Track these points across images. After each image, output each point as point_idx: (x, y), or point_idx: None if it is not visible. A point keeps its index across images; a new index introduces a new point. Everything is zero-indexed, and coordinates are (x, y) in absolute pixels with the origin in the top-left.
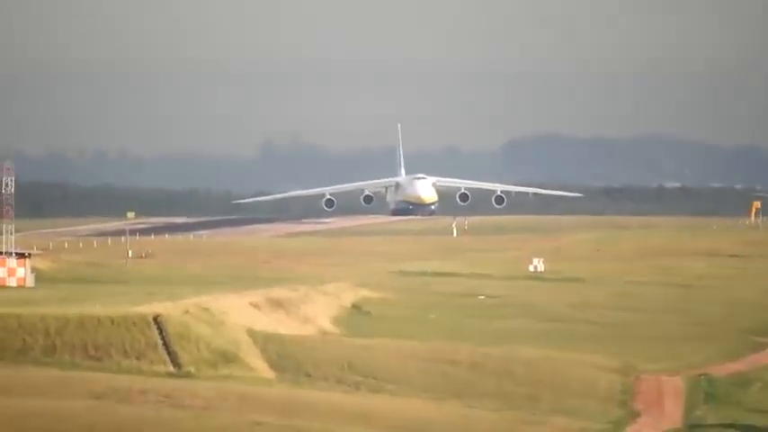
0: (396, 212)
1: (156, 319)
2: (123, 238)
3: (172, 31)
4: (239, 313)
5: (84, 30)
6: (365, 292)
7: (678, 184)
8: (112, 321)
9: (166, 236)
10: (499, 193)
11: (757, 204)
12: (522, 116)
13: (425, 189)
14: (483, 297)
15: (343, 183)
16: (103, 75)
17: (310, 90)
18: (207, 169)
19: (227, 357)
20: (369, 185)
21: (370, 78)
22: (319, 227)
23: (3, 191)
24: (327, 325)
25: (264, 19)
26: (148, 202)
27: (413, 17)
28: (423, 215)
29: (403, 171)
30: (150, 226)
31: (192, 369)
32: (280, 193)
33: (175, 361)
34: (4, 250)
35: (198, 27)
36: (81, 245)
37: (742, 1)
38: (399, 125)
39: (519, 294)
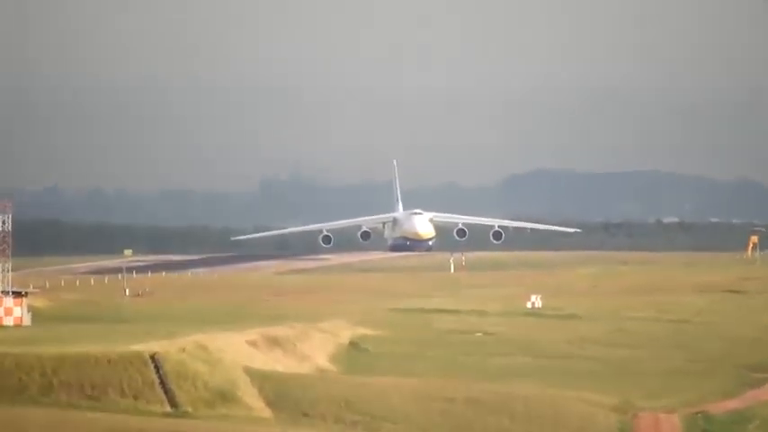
0: (393, 248)
1: (153, 357)
2: (120, 276)
3: (170, 68)
4: (236, 351)
5: (80, 68)
6: (362, 330)
7: (676, 220)
8: (109, 360)
9: (164, 273)
10: (497, 228)
11: (754, 239)
12: (521, 152)
13: (423, 225)
14: (480, 334)
15: (343, 218)
16: (100, 113)
17: (309, 126)
18: (205, 206)
19: (225, 396)
20: (366, 221)
21: (369, 114)
22: (317, 263)
23: None
24: (325, 363)
25: (262, 56)
26: (146, 240)
27: (411, 54)
28: (420, 251)
29: (400, 206)
30: (148, 263)
31: (190, 408)
32: (278, 229)
33: (172, 400)
34: (0, 289)
35: (196, 64)
36: (78, 283)
37: (741, 36)
38: (395, 161)
39: (517, 331)
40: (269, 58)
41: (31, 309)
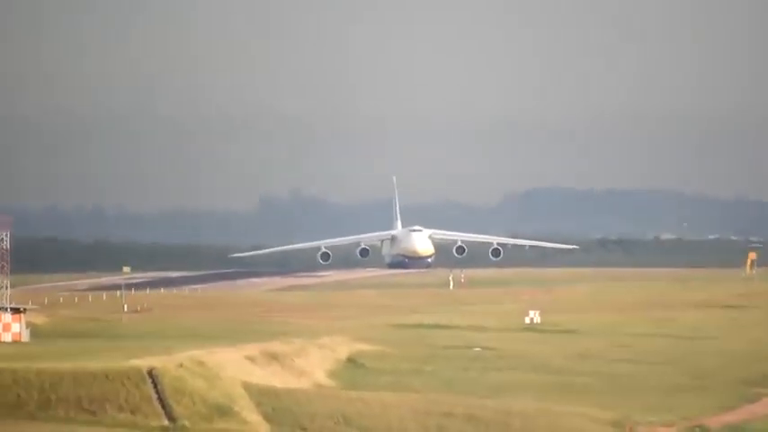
0: (392, 265)
1: (150, 372)
2: (119, 293)
3: (169, 87)
4: (234, 366)
5: (82, 86)
6: (361, 345)
7: (674, 236)
8: (107, 376)
9: (162, 290)
10: (495, 245)
11: (752, 255)
12: (519, 169)
13: (421, 242)
14: (479, 349)
15: (342, 236)
16: (101, 131)
17: (308, 144)
18: (204, 224)
19: (223, 411)
20: (365, 239)
21: (368, 132)
22: (315, 280)
23: None
24: (323, 378)
25: (262, 75)
26: (145, 257)
27: (410, 72)
28: (419, 268)
29: (399, 224)
30: (146, 280)
31: (187, 423)
32: (277, 246)
33: (170, 415)
34: None
35: (196, 83)
36: (76, 300)
37: (737, 56)
38: (395, 178)
39: (515, 346)
40: (268, 79)
41: (29, 325)
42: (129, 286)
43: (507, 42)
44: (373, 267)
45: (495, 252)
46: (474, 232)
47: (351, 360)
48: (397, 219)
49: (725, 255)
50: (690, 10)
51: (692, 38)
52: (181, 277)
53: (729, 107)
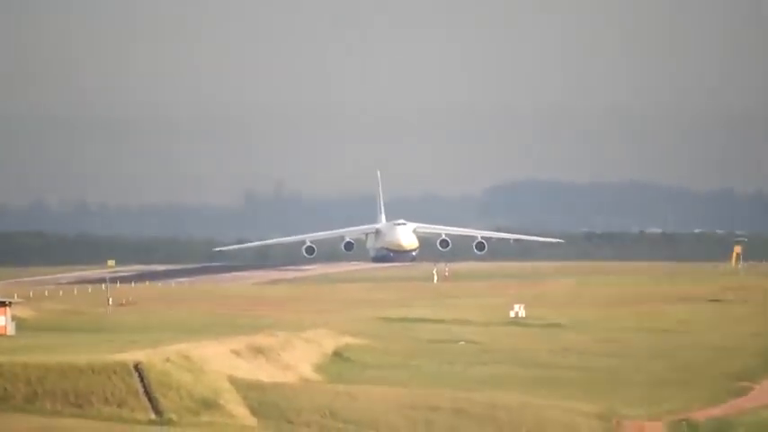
0: (376, 259)
1: (136, 366)
2: (104, 286)
3: (154, 84)
4: (220, 360)
5: (67, 83)
6: (346, 339)
7: (659, 230)
8: (93, 369)
9: (147, 283)
10: (479, 239)
11: (738, 249)
12: (504, 162)
13: (406, 235)
14: (463, 343)
15: (326, 230)
16: (86, 126)
17: (292, 138)
18: (189, 219)
19: (209, 404)
20: (349, 232)
21: (353, 127)
22: (300, 274)
23: None
24: (308, 372)
25: (246, 69)
26: (130, 251)
27: (392, 66)
28: (403, 262)
29: (383, 218)
30: (131, 273)
31: (174, 416)
32: (262, 240)
33: (157, 408)
34: None
35: (179, 77)
36: (61, 293)
37: (716, 50)
38: (379, 172)
39: (499, 340)
40: (251, 74)
41: (15, 319)
42: (113, 279)
43: (491, 36)
44: (358, 261)
45: (480, 246)
46: (458, 226)
47: (337, 354)
48: (381, 213)
49: (710, 248)
50: (670, 10)
51: (678, 33)
52: (166, 271)
53: (716, 102)
